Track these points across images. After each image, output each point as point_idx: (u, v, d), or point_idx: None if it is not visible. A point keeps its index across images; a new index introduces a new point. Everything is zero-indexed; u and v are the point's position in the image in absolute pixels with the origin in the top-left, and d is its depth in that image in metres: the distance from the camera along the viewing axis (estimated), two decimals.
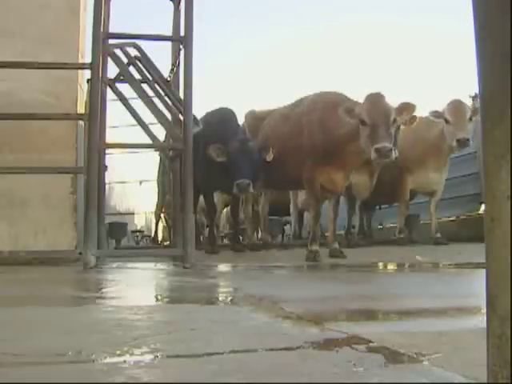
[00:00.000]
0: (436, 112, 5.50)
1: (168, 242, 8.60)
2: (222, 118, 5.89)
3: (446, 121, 5.39)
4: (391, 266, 4.23)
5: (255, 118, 6.17)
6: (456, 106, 5.43)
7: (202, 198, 6.32)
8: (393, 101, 4.39)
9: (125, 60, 4.77)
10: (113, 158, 8.36)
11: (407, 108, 4.36)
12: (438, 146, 5.63)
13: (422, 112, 5.76)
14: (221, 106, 6.27)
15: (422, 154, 5.79)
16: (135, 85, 4.55)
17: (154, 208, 9.16)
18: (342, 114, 4.26)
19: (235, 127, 5.89)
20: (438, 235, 5.86)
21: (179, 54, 4.85)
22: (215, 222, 7.15)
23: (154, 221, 9.71)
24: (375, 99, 4.29)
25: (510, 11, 0.66)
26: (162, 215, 9.08)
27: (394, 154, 4.10)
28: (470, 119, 5.35)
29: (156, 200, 8.95)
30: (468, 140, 5.22)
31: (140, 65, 4.84)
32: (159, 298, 2.37)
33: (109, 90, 4.76)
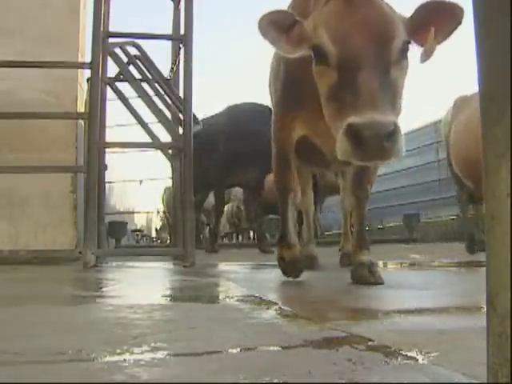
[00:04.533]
0: None
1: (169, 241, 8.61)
2: (251, 113, 5.79)
3: None
4: (391, 265, 4.23)
5: None
6: None
7: (200, 197, 6.29)
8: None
9: (125, 59, 4.78)
10: (113, 157, 8.36)
11: None
12: None
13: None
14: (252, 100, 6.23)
15: None
16: (135, 84, 4.55)
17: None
18: None
19: (265, 121, 5.87)
20: None
21: (179, 53, 4.86)
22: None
23: (154, 220, 9.73)
24: None
25: (510, 9, 0.66)
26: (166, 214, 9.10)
27: None
28: None
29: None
30: None
31: (140, 64, 4.84)
32: (159, 296, 2.37)
33: (109, 89, 4.76)
